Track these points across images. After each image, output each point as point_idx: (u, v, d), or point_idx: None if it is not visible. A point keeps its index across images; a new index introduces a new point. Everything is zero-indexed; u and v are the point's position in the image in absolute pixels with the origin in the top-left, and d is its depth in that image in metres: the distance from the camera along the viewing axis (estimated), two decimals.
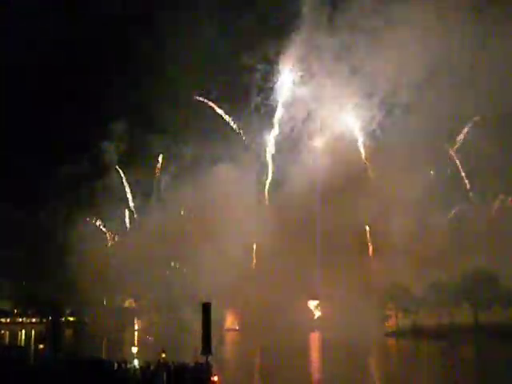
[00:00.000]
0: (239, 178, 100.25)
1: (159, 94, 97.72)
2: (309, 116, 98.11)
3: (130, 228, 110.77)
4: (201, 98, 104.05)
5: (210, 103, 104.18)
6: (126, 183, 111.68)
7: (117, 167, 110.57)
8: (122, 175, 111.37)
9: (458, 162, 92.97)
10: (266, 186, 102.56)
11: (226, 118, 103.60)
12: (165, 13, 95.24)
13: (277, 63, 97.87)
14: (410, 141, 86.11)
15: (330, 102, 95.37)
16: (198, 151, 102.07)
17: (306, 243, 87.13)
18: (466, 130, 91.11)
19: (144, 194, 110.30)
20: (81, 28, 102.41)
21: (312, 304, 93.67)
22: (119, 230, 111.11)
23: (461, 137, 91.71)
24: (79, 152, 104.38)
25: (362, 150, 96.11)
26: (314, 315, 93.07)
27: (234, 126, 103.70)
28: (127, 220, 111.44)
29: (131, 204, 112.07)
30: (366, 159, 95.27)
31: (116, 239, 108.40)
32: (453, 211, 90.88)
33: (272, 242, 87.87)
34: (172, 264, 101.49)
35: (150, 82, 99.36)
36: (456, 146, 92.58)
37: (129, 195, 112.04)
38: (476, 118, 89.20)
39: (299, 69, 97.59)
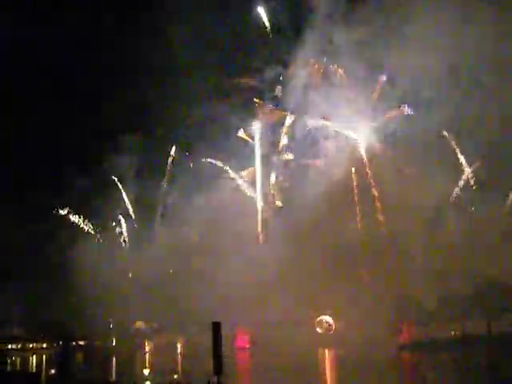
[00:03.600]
0: (247, 189, 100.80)
1: (171, 105, 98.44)
2: (323, 120, 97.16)
3: (135, 246, 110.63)
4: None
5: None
6: (127, 201, 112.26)
7: (115, 180, 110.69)
8: (122, 190, 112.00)
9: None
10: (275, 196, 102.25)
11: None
12: (174, 23, 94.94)
13: (288, 64, 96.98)
14: (429, 143, 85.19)
15: (346, 105, 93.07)
16: (208, 163, 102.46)
17: (315, 257, 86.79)
18: None
19: (150, 209, 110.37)
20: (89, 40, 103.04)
21: (323, 319, 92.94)
22: (125, 249, 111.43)
23: None
24: (85, 168, 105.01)
25: (378, 155, 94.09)
26: (324, 331, 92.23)
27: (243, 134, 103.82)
28: (126, 236, 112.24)
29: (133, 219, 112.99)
30: (380, 164, 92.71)
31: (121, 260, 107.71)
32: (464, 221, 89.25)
33: (280, 256, 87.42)
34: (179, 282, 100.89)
35: (162, 93, 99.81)
36: None
37: (131, 212, 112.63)
38: None
39: (312, 69, 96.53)
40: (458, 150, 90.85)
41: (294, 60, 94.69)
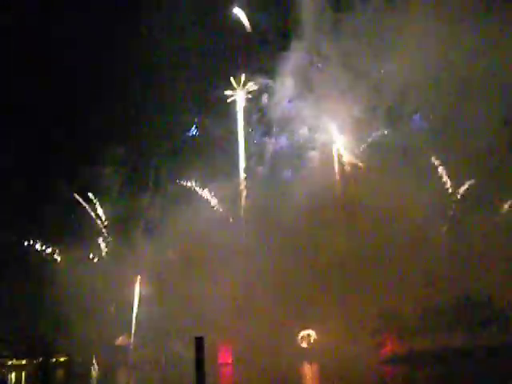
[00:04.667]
0: (229, 204, 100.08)
1: (155, 117, 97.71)
2: (308, 133, 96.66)
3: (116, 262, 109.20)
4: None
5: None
6: (94, 214, 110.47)
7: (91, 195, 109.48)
8: (97, 206, 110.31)
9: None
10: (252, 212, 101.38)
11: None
12: (158, 33, 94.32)
13: (274, 76, 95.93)
14: (415, 156, 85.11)
15: (332, 117, 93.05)
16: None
17: (297, 271, 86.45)
18: None
19: (132, 224, 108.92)
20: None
21: (307, 333, 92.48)
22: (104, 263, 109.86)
23: None
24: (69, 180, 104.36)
25: (363, 167, 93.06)
26: (307, 345, 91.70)
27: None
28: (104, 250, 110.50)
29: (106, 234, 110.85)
30: (363, 178, 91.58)
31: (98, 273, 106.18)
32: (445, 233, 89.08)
33: (262, 269, 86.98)
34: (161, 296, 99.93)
35: (146, 105, 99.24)
36: None
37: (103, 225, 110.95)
38: None
39: (299, 81, 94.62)
40: (441, 166, 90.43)
41: (280, 70, 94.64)
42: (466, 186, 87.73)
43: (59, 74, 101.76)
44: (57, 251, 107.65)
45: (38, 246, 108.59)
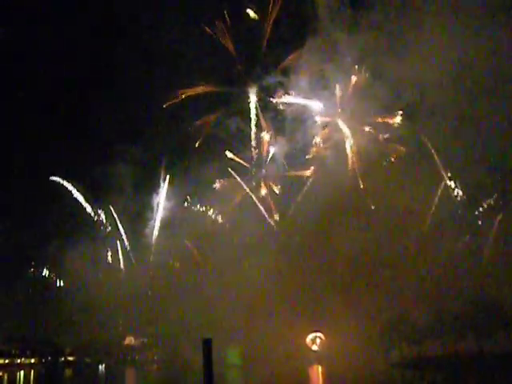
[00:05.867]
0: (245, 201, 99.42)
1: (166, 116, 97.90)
2: (323, 132, 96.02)
3: (125, 262, 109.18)
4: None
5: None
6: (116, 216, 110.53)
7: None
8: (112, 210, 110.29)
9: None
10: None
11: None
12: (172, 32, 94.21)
13: (288, 73, 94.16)
14: (430, 159, 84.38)
15: (347, 116, 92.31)
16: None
17: (307, 273, 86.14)
18: None
19: (143, 223, 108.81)
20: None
21: (316, 336, 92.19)
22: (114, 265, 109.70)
23: None
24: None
25: (376, 166, 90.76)
26: (317, 348, 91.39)
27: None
28: (121, 256, 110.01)
29: (124, 237, 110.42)
30: (378, 179, 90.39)
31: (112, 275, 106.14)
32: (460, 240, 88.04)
33: (273, 272, 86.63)
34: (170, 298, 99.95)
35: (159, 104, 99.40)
36: None
37: (121, 230, 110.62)
38: None
39: (314, 78, 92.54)
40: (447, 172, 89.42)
41: (294, 67, 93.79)
42: (486, 204, 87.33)
43: (70, 74, 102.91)
44: (67, 254, 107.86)
45: (49, 250, 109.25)
